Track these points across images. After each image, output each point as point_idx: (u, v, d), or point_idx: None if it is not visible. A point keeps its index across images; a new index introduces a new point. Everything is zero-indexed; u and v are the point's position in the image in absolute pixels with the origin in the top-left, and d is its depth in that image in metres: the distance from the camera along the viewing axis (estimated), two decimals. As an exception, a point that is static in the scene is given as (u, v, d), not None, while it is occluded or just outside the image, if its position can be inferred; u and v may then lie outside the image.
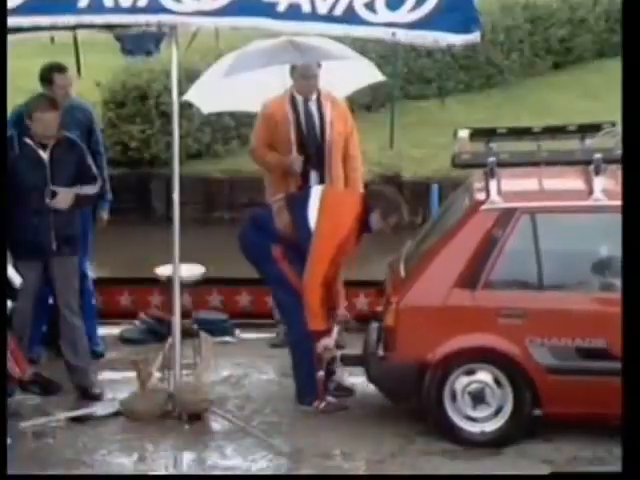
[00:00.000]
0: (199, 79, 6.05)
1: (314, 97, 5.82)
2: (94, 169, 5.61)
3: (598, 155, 5.17)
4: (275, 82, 5.80)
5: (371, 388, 5.47)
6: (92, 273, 6.27)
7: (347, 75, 6.10)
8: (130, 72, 11.15)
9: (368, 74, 6.26)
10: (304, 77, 5.73)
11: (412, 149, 11.87)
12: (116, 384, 5.87)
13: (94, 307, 6.25)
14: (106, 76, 11.11)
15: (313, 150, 5.84)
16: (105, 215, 6.24)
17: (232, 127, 11.56)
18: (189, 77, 6.86)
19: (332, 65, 5.84)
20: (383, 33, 4.76)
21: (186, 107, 7.94)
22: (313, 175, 5.79)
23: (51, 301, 5.76)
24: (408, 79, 14.35)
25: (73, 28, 5.13)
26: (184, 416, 5.35)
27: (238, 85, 5.81)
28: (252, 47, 5.88)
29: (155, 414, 5.36)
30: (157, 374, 5.57)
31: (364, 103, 12.75)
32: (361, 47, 12.58)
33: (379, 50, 13.14)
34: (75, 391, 5.67)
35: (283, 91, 5.81)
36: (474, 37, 4.80)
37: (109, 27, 5.15)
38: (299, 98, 5.83)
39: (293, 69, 5.74)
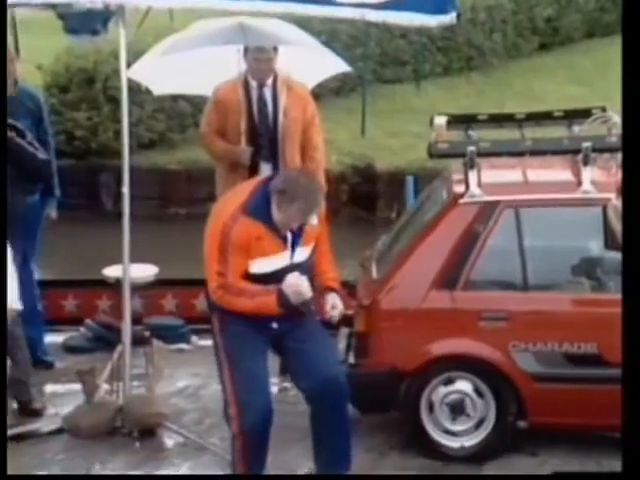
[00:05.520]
0: (142, 57, 6.04)
1: (269, 82, 5.80)
2: None
3: (587, 143, 5.18)
4: (232, 64, 5.78)
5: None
6: (36, 275, 6.22)
7: (311, 65, 6.09)
8: (75, 54, 11.10)
9: (333, 64, 6.25)
10: (256, 60, 5.72)
11: (386, 138, 11.90)
12: (59, 397, 5.82)
13: (41, 313, 6.19)
14: (48, 58, 11.03)
15: (265, 140, 5.82)
16: (54, 213, 6.23)
17: (189, 113, 11.53)
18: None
19: (295, 53, 5.83)
20: (352, 13, 4.74)
21: (137, 92, 7.92)
22: (265, 168, 5.75)
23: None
24: (381, 61, 14.40)
25: (9, 7, 5.06)
26: (135, 432, 5.32)
27: (192, 66, 5.80)
28: (199, 26, 5.88)
29: (103, 430, 5.32)
30: (105, 386, 5.52)
31: (333, 87, 12.76)
32: (331, 28, 12.71)
33: (350, 31, 13.18)
34: (13, 406, 5.61)
35: (237, 74, 5.79)
36: (450, 18, 4.79)
37: (50, 5, 5.09)
38: (253, 83, 5.81)
39: (247, 51, 5.74)
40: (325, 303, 4.68)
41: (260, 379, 4.50)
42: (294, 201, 4.40)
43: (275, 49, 5.75)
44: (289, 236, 4.52)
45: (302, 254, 4.59)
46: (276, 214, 4.45)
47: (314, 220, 4.58)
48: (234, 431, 4.50)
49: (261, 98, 5.83)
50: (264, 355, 4.59)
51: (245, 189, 4.60)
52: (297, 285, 4.44)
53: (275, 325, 4.55)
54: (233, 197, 4.59)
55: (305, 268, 4.60)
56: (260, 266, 4.47)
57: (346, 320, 5.65)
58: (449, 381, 5.17)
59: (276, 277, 4.49)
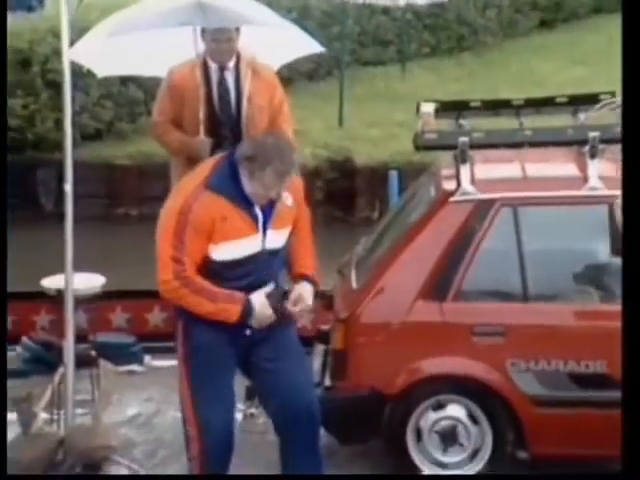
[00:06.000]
0: (85, 36, 6.02)
1: (231, 64, 5.79)
2: None
3: (594, 133, 5.19)
4: (189, 44, 5.77)
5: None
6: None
7: (279, 44, 6.08)
8: (8, 32, 11.02)
9: (304, 44, 6.26)
10: (215, 41, 5.71)
11: (366, 128, 11.91)
12: (-8, 428, 5.78)
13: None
14: (-22, 37, 10.96)
15: (227, 130, 5.81)
16: None
17: (140, 100, 11.50)
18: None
19: (261, 32, 5.83)
20: None
21: (81, 75, 7.89)
22: None
23: None
24: (360, 41, 14.41)
25: None
26: (78, 467, 5.27)
27: (143, 48, 5.78)
28: (151, 3, 5.86)
29: (42, 466, 5.25)
30: (44, 415, 5.47)
31: (306, 71, 12.76)
32: (303, 4, 12.74)
33: (324, 7, 13.19)
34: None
35: (195, 56, 5.78)
36: None
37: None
38: (213, 65, 5.79)
39: (204, 30, 5.73)
40: (290, 294, 4.57)
41: (224, 397, 4.49)
42: (267, 164, 4.36)
43: (237, 28, 5.75)
44: (259, 216, 4.46)
45: (276, 239, 4.52)
46: (249, 186, 4.41)
47: (288, 200, 4.55)
48: (193, 453, 4.52)
49: (222, 83, 5.82)
50: (231, 371, 4.56)
51: (207, 166, 4.57)
52: (263, 307, 4.42)
53: (249, 332, 4.50)
54: (193, 176, 4.56)
55: (281, 258, 4.56)
56: (227, 251, 4.41)
57: (321, 336, 5.65)
58: (439, 406, 5.16)
59: (246, 265, 4.43)
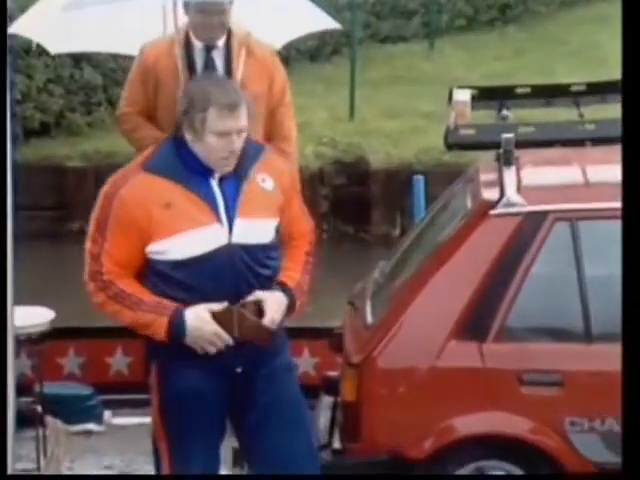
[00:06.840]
0: (33, 7, 6.06)
1: (221, 43, 5.84)
2: None
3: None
4: (167, 16, 5.81)
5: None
6: None
7: (280, 19, 6.12)
8: None
9: (311, 18, 6.29)
10: (201, 13, 5.74)
11: (383, 120, 11.93)
12: None
13: None
14: None
15: None
16: None
17: (98, 86, 11.52)
18: (24, 10, 6.80)
19: (257, 3, 5.87)
20: None
21: (24, 53, 7.90)
22: None
23: None
24: (376, 12, 14.46)
25: None
26: None
27: (107, 21, 5.81)
28: None
29: None
30: (-23, 485, 5.49)
31: (307, 49, 12.80)
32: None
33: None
34: None
35: (174, 31, 5.82)
36: None
37: None
38: (198, 44, 5.85)
39: (187, 1, 5.77)
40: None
41: (210, 459, 4.55)
42: (208, 103, 4.36)
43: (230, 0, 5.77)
44: (217, 198, 4.41)
45: (249, 231, 4.43)
46: (202, 149, 4.39)
47: (266, 183, 4.50)
48: None
49: (209, 65, 5.87)
50: (218, 425, 4.57)
51: (149, 149, 4.63)
52: (202, 322, 4.34)
53: (240, 369, 4.47)
54: (133, 161, 4.63)
55: (267, 259, 4.47)
56: (178, 247, 4.36)
57: (328, 385, 5.66)
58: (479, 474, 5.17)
59: (209, 267, 4.37)
